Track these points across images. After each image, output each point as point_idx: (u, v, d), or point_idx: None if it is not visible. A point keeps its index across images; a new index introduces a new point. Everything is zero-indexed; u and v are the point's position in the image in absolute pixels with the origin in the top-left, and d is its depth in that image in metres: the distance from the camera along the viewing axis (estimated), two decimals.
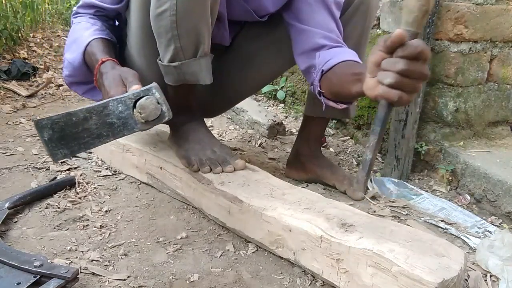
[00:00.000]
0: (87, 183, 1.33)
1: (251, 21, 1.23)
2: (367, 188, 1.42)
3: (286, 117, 2.17)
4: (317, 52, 1.13)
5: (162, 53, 1.08)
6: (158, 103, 0.88)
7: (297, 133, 1.86)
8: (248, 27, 1.28)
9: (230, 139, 1.81)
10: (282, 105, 2.32)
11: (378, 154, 1.72)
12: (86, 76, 1.17)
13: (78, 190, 1.28)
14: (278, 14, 1.22)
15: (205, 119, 1.35)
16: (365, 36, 1.26)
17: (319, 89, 1.10)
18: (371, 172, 0.89)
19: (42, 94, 2.23)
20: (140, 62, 1.17)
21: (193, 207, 1.23)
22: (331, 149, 1.77)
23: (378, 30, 1.72)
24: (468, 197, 1.40)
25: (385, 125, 0.83)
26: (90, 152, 1.54)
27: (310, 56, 1.15)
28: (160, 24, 1.02)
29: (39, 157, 1.49)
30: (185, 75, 1.10)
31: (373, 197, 1.35)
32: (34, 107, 2.05)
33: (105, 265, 0.97)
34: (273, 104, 2.34)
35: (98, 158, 1.50)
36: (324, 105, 1.11)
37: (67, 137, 0.86)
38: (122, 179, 1.38)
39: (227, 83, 1.33)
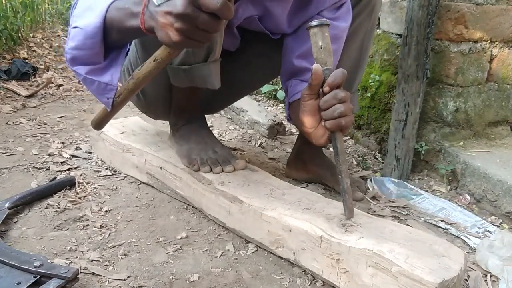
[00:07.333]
0: (87, 183, 1.33)
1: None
2: (368, 189, 1.42)
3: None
4: (292, 80, 1.18)
5: None
6: None
7: (297, 133, 1.87)
8: (252, 33, 1.29)
9: (230, 139, 1.81)
10: (282, 105, 2.31)
11: (378, 154, 1.72)
12: (96, 51, 0.95)
13: (78, 190, 1.28)
14: None
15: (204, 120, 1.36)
16: (370, 34, 1.28)
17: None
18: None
19: (42, 94, 2.23)
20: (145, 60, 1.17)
21: (193, 207, 1.23)
22: (331, 149, 1.77)
23: (378, 30, 1.71)
24: (468, 197, 1.40)
25: (345, 153, 0.90)
26: (90, 152, 1.54)
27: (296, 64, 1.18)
28: None
29: (39, 157, 1.49)
30: (194, 78, 1.10)
31: (373, 197, 1.35)
32: (34, 107, 2.05)
33: (105, 265, 0.97)
34: (273, 104, 2.34)
35: (98, 158, 1.50)
36: None
37: None
38: (122, 179, 1.38)
39: (228, 82, 1.34)
